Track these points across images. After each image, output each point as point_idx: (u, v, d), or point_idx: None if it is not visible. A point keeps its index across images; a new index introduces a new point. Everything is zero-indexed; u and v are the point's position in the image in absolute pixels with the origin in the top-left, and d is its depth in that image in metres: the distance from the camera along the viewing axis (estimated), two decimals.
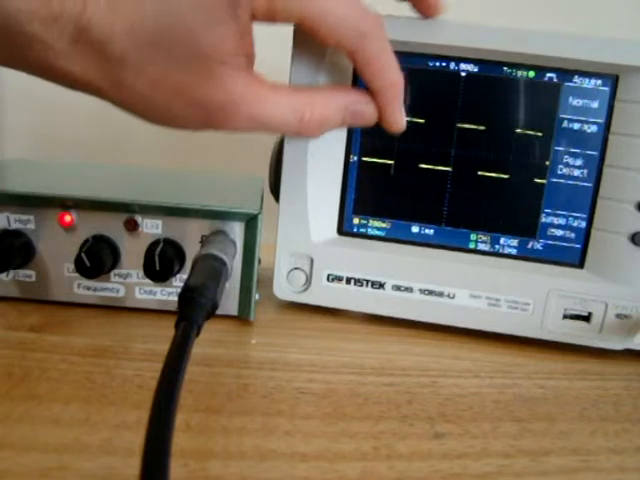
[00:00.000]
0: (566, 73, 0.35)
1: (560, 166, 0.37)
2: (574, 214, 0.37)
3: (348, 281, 0.39)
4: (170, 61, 0.27)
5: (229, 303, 0.37)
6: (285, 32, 0.35)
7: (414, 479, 0.24)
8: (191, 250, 0.36)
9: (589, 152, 0.36)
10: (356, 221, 0.40)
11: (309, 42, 0.35)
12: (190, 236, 0.36)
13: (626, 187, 0.35)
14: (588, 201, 0.37)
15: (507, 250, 0.39)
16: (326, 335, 0.38)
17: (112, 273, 0.36)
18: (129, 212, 0.36)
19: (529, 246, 0.38)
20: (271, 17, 0.28)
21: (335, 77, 0.37)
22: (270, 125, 0.30)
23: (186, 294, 0.26)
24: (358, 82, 0.37)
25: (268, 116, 0.29)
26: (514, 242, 0.38)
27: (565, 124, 0.36)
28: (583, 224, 0.37)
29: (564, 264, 0.38)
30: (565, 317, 0.37)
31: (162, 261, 0.34)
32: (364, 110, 0.32)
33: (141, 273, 0.35)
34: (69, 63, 0.26)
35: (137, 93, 0.27)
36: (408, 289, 0.39)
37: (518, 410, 0.30)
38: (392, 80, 0.31)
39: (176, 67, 0.27)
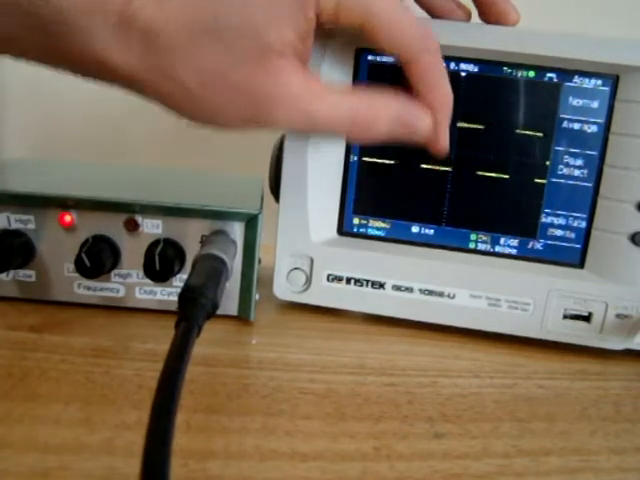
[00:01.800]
0: (566, 73, 0.35)
1: (560, 166, 0.37)
2: (574, 214, 0.37)
3: (348, 281, 0.39)
4: (227, 52, 0.26)
5: (229, 303, 0.37)
6: None
7: (414, 479, 0.24)
8: (191, 250, 0.36)
9: (589, 152, 0.36)
10: (356, 221, 0.40)
11: None
12: (190, 236, 0.36)
13: (626, 187, 0.35)
14: (588, 201, 0.37)
15: (507, 250, 0.39)
16: (326, 335, 0.38)
17: (112, 273, 0.36)
18: (129, 212, 0.36)
19: (529, 246, 0.38)
20: (335, 18, 0.28)
21: (335, 75, 0.37)
22: (321, 124, 0.29)
23: (186, 294, 0.26)
24: (359, 77, 0.37)
25: (322, 115, 0.29)
26: (514, 242, 0.38)
27: (565, 124, 0.36)
28: (583, 224, 0.37)
29: (564, 264, 0.38)
30: (565, 317, 0.37)
31: (162, 261, 0.34)
32: (417, 124, 0.31)
33: (141, 273, 0.35)
34: (113, 54, 0.25)
35: (182, 86, 0.26)
36: (408, 289, 0.39)
37: (518, 410, 0.30)
38: (446, 97, 0.31)
39: (232, 58, 0.26)
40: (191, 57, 0.26)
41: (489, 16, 0.34)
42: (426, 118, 0.31)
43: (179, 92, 0.27)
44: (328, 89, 0.29)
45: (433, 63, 0.30)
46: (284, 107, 0.28)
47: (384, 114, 0.30)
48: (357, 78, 0.37)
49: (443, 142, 0.32)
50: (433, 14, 0.35)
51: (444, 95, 0.31)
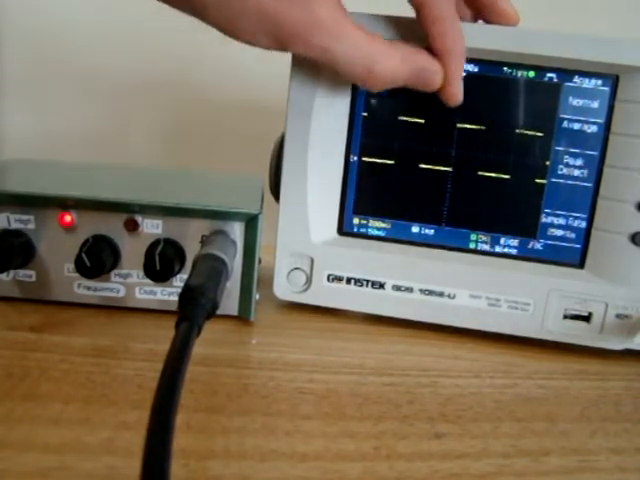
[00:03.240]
0: (566, 73, 0.35)
1: (560, 166, 0.37)
2: (574, 214, 0.37)
3: (348, 281, 0.39)
4: None
5: (229, 303, 0.37)
6: None
7: (414, 479, 0.24)
8: (191, 250, 0.36)
9: (589, 152, 0.36)
10: (356, 221, 0.40)
11: None
12: (190, 236, 0.36)
13: (626, 187, 0.35)
14: (588, 201, 0.37)
15: (507, 250, 0.39)
16: (326, 335, 0.38)
17: (112, 273, 0.36)
18: (129, 212, 0.36)
19: (529, 246, 0.38)
20: None
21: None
22: (338, 63, 0.29)
23: (186, 294, 0.26)
24: None
25: (341, 52, 0.29)
26: (514, 242, 0.38)
27: (565, 124, 0.36)
28: (583, 224, 0.37)
29: (564, 264, 0.38)
30: (565, 317, 0.37)
31: (162, 261, 0.34)
32: (432, 78, 0.32)
33: (141, 273, 0.35)
34: None
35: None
36: (408, 289, 0.39)
37: (518, 410, 0.30)
38: (456, 42, 0.31)
39: None
40: None
41: (489, 16, 0.34)
42: (440, 73, 0.32)
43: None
44: (354, 27, 0.29)
45: (441, 8, 0.30)
46: (305, 35, 0.28)
47: (406, 68, 0.31)
48: None
49: (457, 94, 0.33)
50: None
51: (455, 43, 0.31)
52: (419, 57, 0.32)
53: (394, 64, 0.30)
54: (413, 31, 0.33)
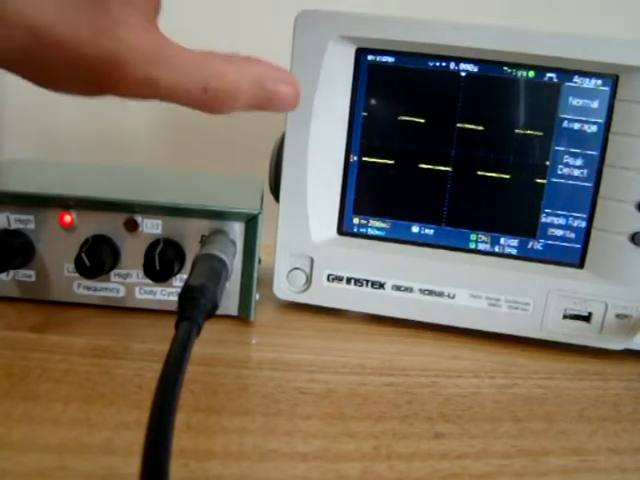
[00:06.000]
0: (566, 73, 0.35)
1: (560, 166, 0.37)
2: (574, 214, 0.37)
3: (348, 281, 0.39)
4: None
5: (229, 303, 0.37)
6: (285, 25, 0.35)
7: (414, 479, 0.24)
8: (191, 250, 0.36)
9: (589, 152, 0.36)
10: (356, 221, 0.40)
11: (310, 35, 0.35)
12: (190, 236, 0.36)
13: (626, 187, 0.35)
14: (588, 201, 0.37)
15: (507, 250, 0.39)
16: (326, 335, 0.38)
17: (112, 273, 0.36)
18: (129, 212, 0.36)
19: (529, 246, 0.38)
20: None
21: (335, 75, 0.37)
22: (169, 90, 0.25)
23: (186, 294, 0.26)
24: (360, 77, 0.37)
25: (167, 78, 0.24)
26: (514, 242, 0.38)
27: (565, 124, 0.36)
28: (583, 224, 0.37)
29: (564, 264, 0.38)
30: (565, 317, 0.37)
31: (162, 261, 0.34)
32: (284, 90, 0.28)
33: (141, 273, 0.35)
34: None
35: (11, 41, 0.22)
36: (408, 289, 0.39)
37: (518, 410, 0.30)
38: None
39: (63, 5, 0.22)
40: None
41: None
42: (292, 85, 0.29)
43: (7, 51, 0.23)
44: (176, 49, 0.25)
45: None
46: (121, 68, 0.23)
47: (245, 79, 0.27)
48: (357, 78, 0.37)
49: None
50: None
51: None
52: (259, 65, 0.28)
53: (233, 77, 0.27)
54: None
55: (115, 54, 0.23)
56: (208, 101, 0.26)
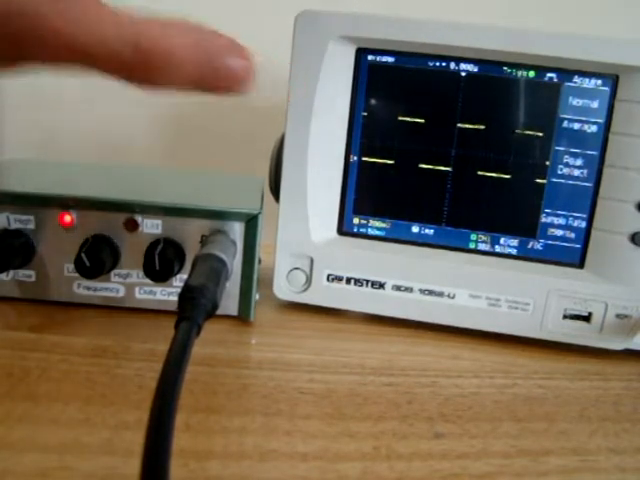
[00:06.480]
0: (566, 73, 0.35)
1: (560, 166, 0.37)
2: (574, 214, 0.37)
3: (348, 281, 0.39)
4: None
5: (229, 303, 0.37)
6: (285, 25, 0.35)
7: (414, 479, 0.24)
8: (191, 250, 0.36)
9: (589, 152, 0.36)
10: (356, 221, 0.40)
11: (310, 35, 0.35)
12: (190, 236, 0.36)
13: (626, 187, 0.35)
14: (588, 201, 0.37)
15: (507, 250, 0.39)
16: (326, 335, 0.38)
17: (112, 273, 0.36)
18: (129, 212, 0.36)
19: (529, 246, 0.38)
20: None
21: (335, 75, 0.37)
22: (91, 48, 0.20)
23: (186, 294, 0.26)
24: (360, 77, 0.37)
25: (88, 32, 0.20)
26: (514, 242, 0.38)
27: (565, 124, 0.36)
28: (583, 224, 0.37)
29: (564, 264, 0.38)
30: (565, 317, 0.37)
31: (162, 261, 0.34)
32: (235, 64, 0.22)
33: (141, 273, 0.35)
34: None
35: None
36: (408, 289, 0.39)
37: (518, 410, 0.30)
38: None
39: None
40: None
41: None
42: (246, 54, 0.23)
43: None
44: (101, 4, 0.21)
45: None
46: (38, 29, 0.20)
47: (180, 39, 0.22)
48: (357, 78, 0.37)
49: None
50: None
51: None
52: (205, 32, 0.23)
53: (171, 40, 0.21)
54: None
55: (23, 6, 0.20)
56: (138, 65, 0.21)
